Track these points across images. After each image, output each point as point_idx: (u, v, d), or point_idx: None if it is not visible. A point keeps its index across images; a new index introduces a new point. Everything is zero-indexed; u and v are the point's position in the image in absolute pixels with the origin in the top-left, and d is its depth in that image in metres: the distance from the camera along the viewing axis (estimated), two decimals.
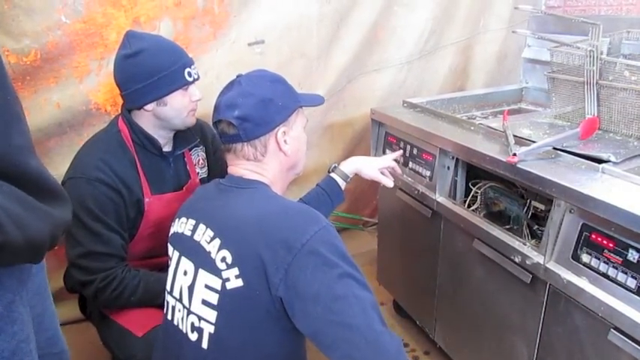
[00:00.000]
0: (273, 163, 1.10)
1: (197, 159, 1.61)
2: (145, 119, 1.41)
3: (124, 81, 1.36)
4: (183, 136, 1.52)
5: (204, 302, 0.99)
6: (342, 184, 1.47)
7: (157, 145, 1.45)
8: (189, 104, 1.42)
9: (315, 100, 1.23)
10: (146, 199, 1.43)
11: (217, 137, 1.69)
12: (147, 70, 1.33)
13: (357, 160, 1.50)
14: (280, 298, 0.92)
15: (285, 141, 1.10)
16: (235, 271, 0.94)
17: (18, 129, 0.77)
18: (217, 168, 1.68)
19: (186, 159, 1.57)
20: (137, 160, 1.42)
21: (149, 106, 1.37)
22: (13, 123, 0.76)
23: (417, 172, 1.76)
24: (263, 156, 1.08)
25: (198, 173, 1.61)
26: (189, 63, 1.41)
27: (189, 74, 1.39)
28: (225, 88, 1.11)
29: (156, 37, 1.44)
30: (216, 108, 1.09)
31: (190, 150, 1.58)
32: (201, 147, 1.63)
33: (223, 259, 0.96)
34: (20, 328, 0.83)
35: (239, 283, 0.94)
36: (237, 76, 1.11)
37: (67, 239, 1.34)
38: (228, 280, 0.95)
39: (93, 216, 1.31)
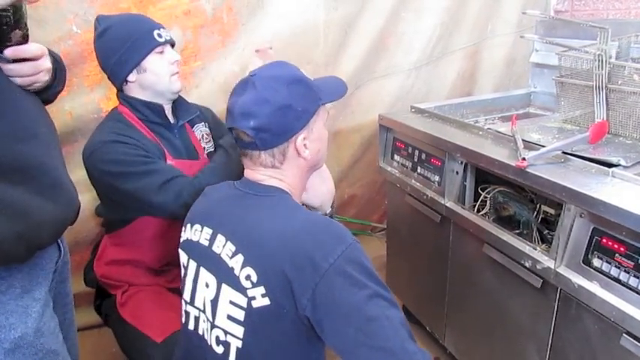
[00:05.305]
0: (292, 169, 1.05)
1: (201, 134, 1.61)
2: (135, 92, 1.43)
3: (103, 59, 1.40)
4: (183, 108, 1.54)
5: (230, 318, 0.96)
6: None
7: (158, 110, 1.45)
8: (168, 67, 1.43)
9: (337, 93, 1.11)
10: (169, 162, 1.43)
11: (217, 117, 1.69)
12: (117, 41, 1.37)
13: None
14: (308, 318, 0.90)
15: (305, 145, 1.03)
16: (261, 289, 0.91)
17: None
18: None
19: (190, 135, 1.57)
20: (148, 132, 1.43)
21: (131, 77, 1.40)
22: None
23: (426, 177, 1.76)
24: (281, 163, 1.03)
25: (204, 148, 1.60)
26: (158, 26, 1.43)
27: (159, 35, 1.41)
28: (238, 88, 1.03)
29: (122, 13, 1.49)
30: (230, 113, 1.01)
31: (192, 127, 1.58)
32: (204, 123, 1.63)
33: (248, 277, 0.92)
34: (21, 320, 0.84)
35: (266, 301, 0.91)
36: (251, 75, 1.01)
37: (130, 200, 1.36)
38: (254, 298, 0.92)
39: (130, 162, 1.33)
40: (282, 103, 0.98)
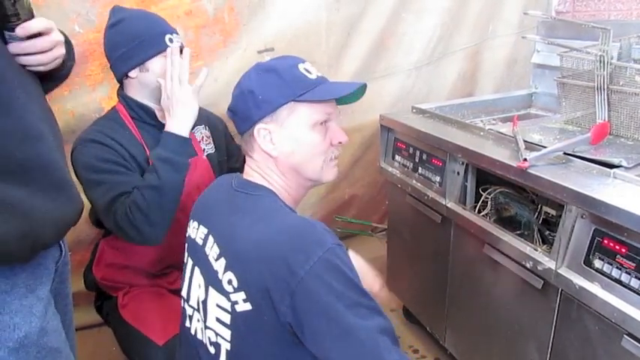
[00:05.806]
0: (269, 166, 1.02)
1: (201, 136, 1.60)
2: (133, 88, 1.42)
3: (110, 49, 1.40)
4: None
5: (218, 320, 0.96)
6: None
7: (151, 113, 1.44)
8: None
9: (326, 94, 1.00)
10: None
11: (227, 129, 1.68)
12: (128, 35, 1.36)
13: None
14: (290, 324, 0.89)
15: (271, 140, 0.99)
16: (242, 295, 0.90)
17: None
18: (233, 157, 1.70)
19: (190, 136, 1.56)
20: (138, 134, 1.42)
21: (133, 73, 1.39)
22: None
23: (427, 178, 1.76)
24: (252, 152, 1.03)
25: (204, 150, 1.59)
26: (171, 31, 1.42)
27: (171, 40, 1.40)
28: None
29: (139, 9, 1.49)
30: None
31: (193, 128, 1.53)
32: (204, 125, 1.61)
33: (229, 282, 0.91)
34: (25, 320, 0.84)
35: (248, 306, 0.90)
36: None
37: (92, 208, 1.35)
38: (236, 302, 0.91)
39: (93, 168, 1.30)
40: (246, 87, 1.00)
